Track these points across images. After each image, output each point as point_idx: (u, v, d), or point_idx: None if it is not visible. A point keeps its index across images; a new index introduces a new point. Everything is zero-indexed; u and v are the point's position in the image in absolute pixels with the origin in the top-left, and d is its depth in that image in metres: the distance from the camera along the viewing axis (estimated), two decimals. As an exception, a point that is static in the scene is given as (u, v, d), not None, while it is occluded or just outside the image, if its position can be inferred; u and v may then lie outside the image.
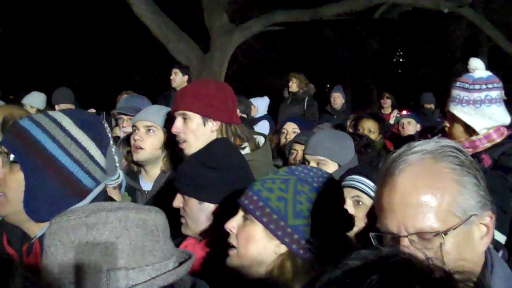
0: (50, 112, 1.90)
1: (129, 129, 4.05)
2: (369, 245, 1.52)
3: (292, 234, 1.91)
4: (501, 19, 15.49)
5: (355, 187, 2.67)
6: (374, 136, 5.13)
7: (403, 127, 7.10)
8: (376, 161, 3.57)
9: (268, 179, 2.01)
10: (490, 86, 3.34)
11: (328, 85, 21.35)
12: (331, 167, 3.34)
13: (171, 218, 1.63)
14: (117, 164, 2.03)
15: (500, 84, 3.39)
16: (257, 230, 1.95)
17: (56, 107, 7.51)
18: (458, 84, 3.41)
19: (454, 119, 3.41)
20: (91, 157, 1.85)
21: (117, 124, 5.05)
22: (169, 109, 3.57)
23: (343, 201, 2.16)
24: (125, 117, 4.61)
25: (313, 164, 3.31)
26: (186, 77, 8.22)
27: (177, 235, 2.59)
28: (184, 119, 3.01)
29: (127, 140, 3.62)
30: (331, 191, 2.02)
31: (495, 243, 2.20)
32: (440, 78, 19.49)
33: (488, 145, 3.34)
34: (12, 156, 1.80)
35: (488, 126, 3.33)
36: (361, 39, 22.23)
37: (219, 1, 11.39)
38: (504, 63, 17.20)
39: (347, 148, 3.47)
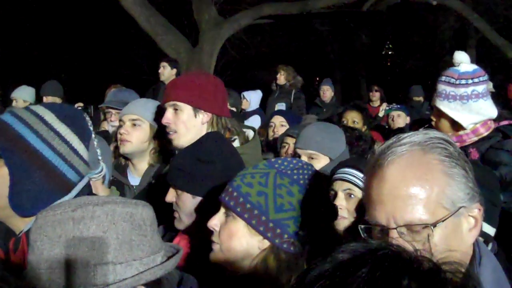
0: (32, 107, 1.89)
1: (118, 123, 4.03)
2: (361, 237, 1.52)
3: (274, 229, 1.90)
4: (489, 11, 15.56)
5: (346, 179, 2.67)
6: (358, 126, 5.14)
7: (393, 120, 7.12)
8: (368, 153, 3.57)
9: (247, 174, 1.98)
10: (476, 80, 3.31)
11: (317, 78, 21.39)
12: (322, 161, 3.34)
13: (159, 212, 1.61)
14: (100, 157, 2.03)
15: (486, 77, 3.38)
16: (239, 226, 1.93)
17: (44, 98, 7.57)
18: (443, 78, 3.38)
19: (441, 114, 3.40)
20: (74, 151, 1.84)
21: (105, 118, 5.01)
22: (155, 101, 3.56)
23: (324, 191, 2.15)
24: (113, 111, 4.58)
25: (304, 158, 3.31)
26: (175, 70, 8.19)
27: (169, 229, 2.59)
28: (175, 110, 3.00)
29: (115, 135, 3.60)
30: (312, 182, 2.00)
31: (484, 235, 2.21)
32: (429, 70, 19.56)
33: (475, 139, 3.34)
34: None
35: (476, 121, 3.32)
36: (350, 32, 22.24)
37: (207, -7, 11.35)
38: (492, 55, 17.33)
39: (338, 141, 3.46)
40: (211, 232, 2.02)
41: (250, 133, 3.26)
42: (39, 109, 1.86)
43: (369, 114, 5.74)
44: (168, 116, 3.01)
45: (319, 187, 2.06)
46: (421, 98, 9.78)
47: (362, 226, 1.54)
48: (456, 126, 3.37)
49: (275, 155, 4.51)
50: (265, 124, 6.11)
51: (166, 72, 8.12)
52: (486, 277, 1.49)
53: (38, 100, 7.73)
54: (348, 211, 2.63)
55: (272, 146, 4.82)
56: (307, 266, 0.99)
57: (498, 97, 3.56)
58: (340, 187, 2.65)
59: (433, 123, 3.50)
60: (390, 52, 27.64)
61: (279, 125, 5.03)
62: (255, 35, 17.53)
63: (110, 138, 3.76)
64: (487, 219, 2.16)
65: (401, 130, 5.72)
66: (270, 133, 5.09)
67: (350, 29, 21.74)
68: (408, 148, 1.49)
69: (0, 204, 1.77)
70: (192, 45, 11.35)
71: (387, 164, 1.48)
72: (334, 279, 0.93)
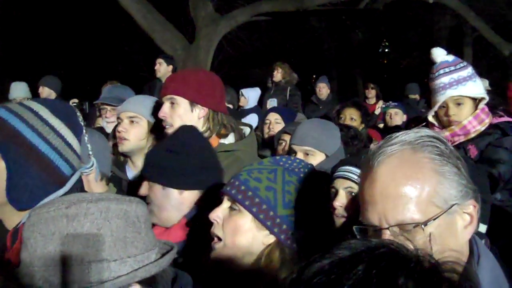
0: (26, 102, 1.92)
1: (113, 119, 4.03)
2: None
3: (281, 224, 1.91)
4: (485, 9, 15.58)
5: (348, 178, 2.65)
6: (356, 123, 5.12)
7: (390, 118, 7.12)
8: (362, 153, 3.56)
9: (254, 169, 1.99)
10: (462, 65, 3.50)
11: (314, 76, 21.38)
12: (318, 157, 3.32)
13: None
14: (90, 152, 2.07)
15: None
16: (246, 220, 1.93)
17: (40, 88, 7.73)
18: (441, 72, 3.45)
19: (456, 103, 3.47)
20: (69, 145, 1.87)
21: (100, 115, 4.99)
22: (153, 98, 3.56)
23: (327, 191, 2.16)
24: (108, 108, 4.55)
25: (300, 154, 3.29)
26: (171, 67, 8.18)
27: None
28: (172, 103, 3.01)
29: (113, 132, 3.61)
30: (317, 181, 2.03)
31: (476, 233, 2.20)
32: (425, 68, 19.55)
33: (479, 128, 3.37)
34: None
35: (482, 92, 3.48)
36: (347, 30, 22.25)
37: (204, -10, 11.32)
38: (488, 53, 17.35)
39: (334, 138, 3.45)
40: (210, 225, 2.01)
41: (246, 130, 3.26)
42: (34, 105, 1.88)
43: (368, 112, 5.73)
44: (165, 110, 3.02)
45: (322, 186, 2.10)
46: (417, 96, 9.77)
47: (356, 227, 1.54)
48: (474, 107, 3.47)
49: (271, 152, 4.49)
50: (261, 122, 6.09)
51: (162, 69, 8.11)
52: (485, 276, 1.48)
53: (34, 91, 7.87)
54: (349, 209, 2.61)
55: (267, 144, 4.81)
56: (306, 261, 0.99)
57: (494, 95, 3.61)
58: (341, 185, 2.63)
59: (448, 118, 3.49)
60: (386, 50, 27.65)
61: (274, 122, 5.02)
62: (251, 32, 17.50)
63: (105, 134, 3.75)
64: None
65: (398, 128, 5.73)
66: (266, 130, 5.07)
67: (347, 27, 21.77)
68: (398, 148, 1.48)
69: None
70: (188, 42, 11.33)
71: (377, 164, 1.48)
72: (330, 275, 0.93)
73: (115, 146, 3.48)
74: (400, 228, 1.43)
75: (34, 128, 1.81)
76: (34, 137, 1.79)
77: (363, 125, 5.29)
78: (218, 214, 1.99)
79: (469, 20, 14.43)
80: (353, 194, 2.62)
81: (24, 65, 18.25)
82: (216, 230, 1.99)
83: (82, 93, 9.94)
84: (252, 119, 7.44)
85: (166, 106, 3.02)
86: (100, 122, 4.89)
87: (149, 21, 10.72)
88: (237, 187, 1.96)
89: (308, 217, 1.93)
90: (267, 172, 1.97)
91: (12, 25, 18.99)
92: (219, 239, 1.98)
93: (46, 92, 7.69)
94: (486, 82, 7.23)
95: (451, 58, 3.50)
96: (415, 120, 5.04)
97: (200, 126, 2.99)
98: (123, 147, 3.38)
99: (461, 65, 3.46)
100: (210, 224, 2.01)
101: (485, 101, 3.46)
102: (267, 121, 5.14)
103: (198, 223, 2.24)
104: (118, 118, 3.48)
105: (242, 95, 8.18)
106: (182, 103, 3.00)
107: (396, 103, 7.55)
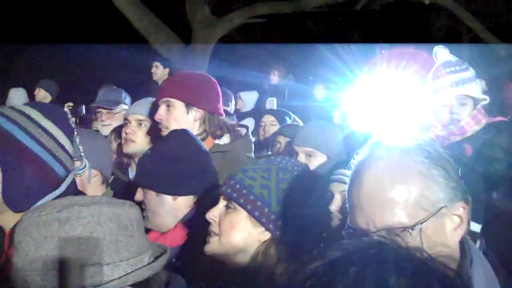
0: (17, 106, 1.94)
1: (108, 122, 4.06)
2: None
3: (276, 221, 1.94)
4: (481, 10, 15.62)
5: (344, 181, 2.63)
6: None
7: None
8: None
9: (249, 169, 2.03)
10: (464, 66, 3.57)
11: (311, 78, 21.37)
12: (320, 159, 3.32)
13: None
14: (82, 154, 2.09)
15: None
16: (241, 217, 1.97)
17: (37, 90, 7.74)
18: (448, 70, 3.51)
19: (460, 104, 3.53)
20: (61, 147, 1.88)
21: (96, 118, 4.98)
22: None
23: (319, 190, 2.17)
24: (104, 111, 4.55)
25: (301, 155, 3.30)
26: (167, 70, 8.19)
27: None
28: (168, 106, 3.01)
29: (118, 133, 3.64)
30: (310, 180, 2.07)
31: (471, 233, 2.19)
32: (422, 69, 19.58)
33: (476, 128, 3.40)
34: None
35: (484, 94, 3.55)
36: (343, 31, 22.24)
37: (200, -7, 11.31)
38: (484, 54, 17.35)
39: (336, 139, 3.45)
40: (208, 225, 2.03)
41: (243, 132, 3.27)
42: (25, 108, 1.90)
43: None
44: (161, 113, 3.02)
45: (316, 186, 2.11)
46: (413, 97, 9.76)
47: (345, 231, 1.53)
48: (473, 108, 3.53)
49: (267, 154, 4.50)
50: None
51: (159, 72, 8.12)
52: (478, 278, 1.47)
53: (30, 93, 7.89)
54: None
55: (263, 146, 4.81)
56: (300, 262, 0.99)
57: (490, 95, 3.69)
58: (337, 189, 2.62)
59: (454, 115, 3.52)
60: (383, 51, 27.68)
61: (270, 124, 5.02)
62: (248, 35, 17.48)
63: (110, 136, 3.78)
64: (472, 216, 2.15)
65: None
66: (261, 132, 5.07)
67: (343, 28, 21.76)
68: (385, 152, 1.48)
69: None
70: (185, 45, 11.31)
71: (364, 169, 1.47)
72: (323, 278, 0.93)
73: (119, 146, 3.51)
74: (387, 232, 1.41)
75: (27, 130, 1.82)
76: (27, 139, 1.80)
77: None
78: (215, 213, 2.02)
79: (465, 21, 14.45)
80: None
81: (21, 69, 18.22)
82: (214, 227, 2.02)
83: (78, 97, 9.92)
84: (249, 123, 7.43)
85: (162, 109, 3.03)
86: (96, 126, 4.88)
87: (144, 23, 10.71)
88: (232, 186, 1.99)
89: (302, 213, 1.95)
90: (262, 171, 2.00)
91: (12, 25, 18.96)
92: (216, 234, 2.01)
93: (41, 94, 7.68)
94: (483, 82, 7.26)
95: (454, 58, 3.54)
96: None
97: (196, 128, 3.00)
98: (129, 149, 3.41)
99: (464, 66, 3.50)
100: (207, 226, 2.03)
101: (485, 102, 3.50)
102: (262, 123, 5.15)
103: (194, 227, 2.25)
104: (125, 119, 3.52)
105: (240, 98, 8.17)
106: (178, 105, 3.00)
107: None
